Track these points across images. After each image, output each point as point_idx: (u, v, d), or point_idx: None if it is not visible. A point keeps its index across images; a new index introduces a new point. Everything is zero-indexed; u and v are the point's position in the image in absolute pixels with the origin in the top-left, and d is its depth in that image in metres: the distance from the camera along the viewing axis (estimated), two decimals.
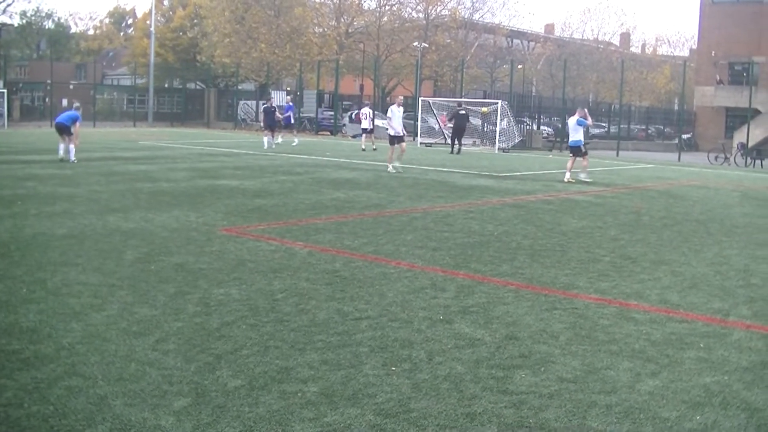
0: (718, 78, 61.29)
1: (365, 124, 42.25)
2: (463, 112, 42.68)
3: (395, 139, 26.11)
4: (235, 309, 8.13)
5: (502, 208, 17.65)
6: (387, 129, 27.24)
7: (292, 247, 11.77)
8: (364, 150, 38.92)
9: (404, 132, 26.70)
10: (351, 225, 14.24)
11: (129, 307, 8.04)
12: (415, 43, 67.31)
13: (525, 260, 11.47)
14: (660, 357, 7.07)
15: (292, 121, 42.57)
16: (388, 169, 25.50)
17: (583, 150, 25.35)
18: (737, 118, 56.89)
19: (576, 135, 25.24)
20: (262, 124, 41.78)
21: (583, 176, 25.37)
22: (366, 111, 43.21)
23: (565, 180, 24.79)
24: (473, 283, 9.82)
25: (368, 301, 8.70)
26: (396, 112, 26.37)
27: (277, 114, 39.05)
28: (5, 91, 56.37)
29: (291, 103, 43.60)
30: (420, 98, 50.85)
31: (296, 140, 42.52)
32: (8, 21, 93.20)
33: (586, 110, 27.12)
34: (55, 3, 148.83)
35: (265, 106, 39.37)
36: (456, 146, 41.27)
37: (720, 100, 60.13)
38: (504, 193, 20.80)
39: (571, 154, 25.54)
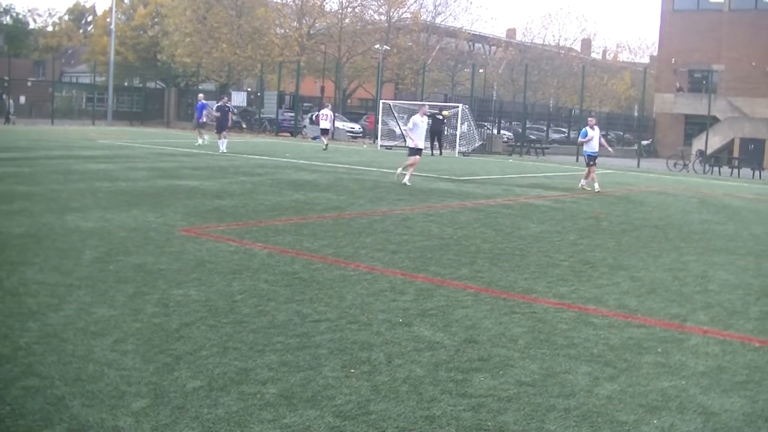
0: (678, 85, 61.86)
1: (325, 124, 43.44)
2: (440, 116, 43.33)
3: (416, 151, 24.40)
4: (195, 310, 8.10)
5: (462, 211, 17.71)
6: (406, 139, 25.82)
7: (252, 249, 11.73)
8: (325, 150, 39.50)
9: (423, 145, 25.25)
10: (311, 227, 14.22)
11: (87, 307, 7.97)
12: (377, 46, 67.27)
13: (484, 264, 11.51)
14: (618, 361, 7.13)
15: (204, 120, 41.17)
16: (404, 180, 23.91)
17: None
18: (696, 125, 57.47)
19: (594, 144, 24.94)
20: (198, 123, 41.26)
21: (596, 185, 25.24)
22: (326, 112, 43.76)
23: (597, 189, 24.63)
24: (432, 287, 9.85)
25: (327, 303, 8.69)
26: (419, 123, 24.47)
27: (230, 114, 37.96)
28: None
29: (205, 102, 42.00)
30: (381, 101, 50.86)
31: (200, 141, 39.67)
32: None
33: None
34: None
35: (219, 104, 37.29)
36: (437, 149, 42.29)
37: (679, 107, 60.70)
38: (464, 197, 20.87)
39: (592, 163, 25.20)
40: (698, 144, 50.28)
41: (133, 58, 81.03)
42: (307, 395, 5.90)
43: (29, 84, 76.64)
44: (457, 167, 32.94)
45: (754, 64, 58.14)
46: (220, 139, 35.51)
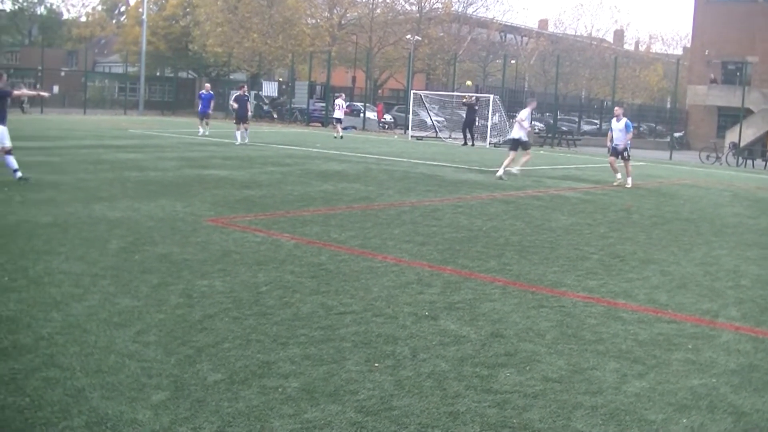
0: (712, 77, 61.24)
1: (338, 114, 44.59)
2: (477, 107, 43.52)
3: (525, 145, 24.32)
4: (218, 301, 8.03)
5: (492, 203, 17.57)
6: (515, 132, 24.90)
7: (279, 239, 11.67)
8: (337, 138, 41.09)
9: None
10: (338, 218, 14.13)
11: (111, 298, 7.93)
12: (408, 36, 67.19)
13: (513, 256, 11.38)
14: (647, 358, 6.99)
15: (210, 110, 39.77)
16: (514, 171, 23.95)
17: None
18: (729, 117, 56.87)
19: (624, 137, 24.62)
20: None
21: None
22: (339, 102, 44.58)
23: (629, 186, 24.36)
24: (460, 279, 9.74)
25: (353, 295, 8.61)
26: (529, 117, 24.23)
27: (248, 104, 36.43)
28: None
29: (211, 92, 40.25)
30: (412, 91, 50.72)
31: (202, 131, 38.39)
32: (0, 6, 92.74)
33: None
34: None
35: (237, 94, 35.55)
36: (469, 139, 42.32)
37: (712, 99, 60.07)
38: (494, 188, 20.71)
39: (627, 158, 24.92)
40: (731, 136, 49.75)
41: (164, 48, 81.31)
42: (329, 389, 5.81)
43: (62, 74, 77.03)
44: (488, 158, 32.75)
45: None
46: (238, 130, 34.26)
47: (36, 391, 5.49)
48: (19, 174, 16.63)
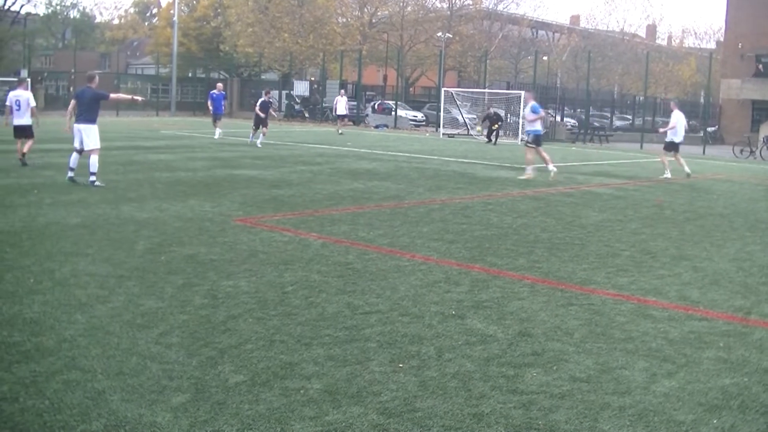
0: (759, 67, 60.43)
1: (341, 110, 45.98)
2: (496, 116, 43.63)
3: (677, 147, 24.72)
4: (243, 302, 7.98)
5: (522, 200, 17.43)
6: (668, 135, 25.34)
7: (306, 239, 11.61)
8: (339, 134, 42.33)
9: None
10: (367, 216, 14.06)
11: (135, 299, 7.90)
12: (439, 34, 66.96)
13: (542, 254, 11.26)
14: (677, 356, 6.86)
15: (222, 111, 38.56)
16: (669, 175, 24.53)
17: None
18: (763, 111, 56.29)
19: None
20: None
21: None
22: (339, 98, 46.59)
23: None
24: (488, 277, 9.63)
25: (380, 294, 8.53)
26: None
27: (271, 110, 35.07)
28: (29, 80, 56.34)
29: (223, 92, 38.98)
30: (443, 89, 50.57)
31: (219, 132, 36.21)
32: (33, 10, 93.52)
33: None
34: None
35: (263, 100, 33.76)
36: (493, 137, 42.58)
37: (746, 93, 59.43)
38: (524, 185, 20.56)
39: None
40: (765, 130, 49.20)
41: (196, 49, 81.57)
42: (352, 391, 5.73)
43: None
44: (519, 155, 32.55)
45: None
46: (255, 133, 33.04)
47: (56, 393, 5.45)
48: (70, 174, 17.06)
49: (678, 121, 24.80)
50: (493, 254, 11.09)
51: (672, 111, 25.48)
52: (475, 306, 8.25)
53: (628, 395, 5.90)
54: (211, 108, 37.24)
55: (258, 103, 33.29)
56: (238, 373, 5.97)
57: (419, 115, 60.93)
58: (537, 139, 22.90)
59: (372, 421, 5.23)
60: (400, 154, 29.93)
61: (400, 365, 6.32)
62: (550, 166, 22.53)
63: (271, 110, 33.92)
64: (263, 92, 37.93)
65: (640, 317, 8.07)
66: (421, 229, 12.87)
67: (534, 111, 22.69)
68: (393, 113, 57.67)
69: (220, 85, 39.89)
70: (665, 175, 24.51)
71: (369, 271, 9.68)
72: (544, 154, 22.76)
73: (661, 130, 26.91)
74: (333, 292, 8.54)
